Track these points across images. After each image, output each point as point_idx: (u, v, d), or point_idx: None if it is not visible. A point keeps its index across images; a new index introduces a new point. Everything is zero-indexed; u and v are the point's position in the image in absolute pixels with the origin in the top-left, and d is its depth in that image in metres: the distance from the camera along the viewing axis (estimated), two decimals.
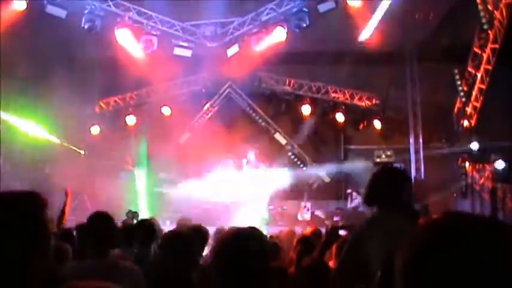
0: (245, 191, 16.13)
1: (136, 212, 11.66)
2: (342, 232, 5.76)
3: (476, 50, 14.88)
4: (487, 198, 14.86)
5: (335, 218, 14.96)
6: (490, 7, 13.95)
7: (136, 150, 17.28)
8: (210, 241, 5.89)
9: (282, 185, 16.37)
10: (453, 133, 16.10)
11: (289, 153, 18.13)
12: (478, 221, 1.15)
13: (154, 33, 15.59)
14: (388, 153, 17.39)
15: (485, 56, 14.58)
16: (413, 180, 4.46)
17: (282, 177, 16.17)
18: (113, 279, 2.72)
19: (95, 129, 17.72)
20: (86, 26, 14.31)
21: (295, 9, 14.55)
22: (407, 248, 1.15)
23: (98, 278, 2.81)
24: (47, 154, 16.34)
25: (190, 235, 4.66)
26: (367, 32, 14.47)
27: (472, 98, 15.15)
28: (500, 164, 14.41)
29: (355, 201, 15.90)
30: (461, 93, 15.34)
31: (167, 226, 11.16)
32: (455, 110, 15.83)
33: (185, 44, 16.05)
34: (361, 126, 18.02)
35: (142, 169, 17.49)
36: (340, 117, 17.73)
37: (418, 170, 16.67)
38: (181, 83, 18.20)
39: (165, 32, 15.82)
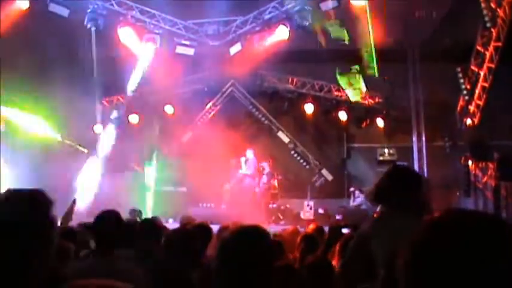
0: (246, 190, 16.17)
1: (139, 211, 11.68)
2: (344, 230, 5.77)
3: (479, 48, 14.85)
4: (490, 196, 14.84)
5: (337, 217, 14.95)
6: (492, 5, 13.92)
7: (143, 149, 17.28)
8: (214, 239, 5.90)
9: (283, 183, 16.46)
10: (456, 131, 16.07)
11: (292, 152, 18.12)
12: (479, 220, 1.15)
13: (157, 31, 15.62)
14: (391, 151, 17.41)
15: (488, 54, 14.56)
16: None
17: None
18: (114, 279, 2.74)
19: (98, 128, 17.75)
20: (88, 25, 14.34)
21: (297, 8, 14.55)
22: (408, 247, 1.16)
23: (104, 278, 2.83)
24: (49, 153, 16.34)
25: (194, 233, 4.67)
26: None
27: (475, 96, 15.13)
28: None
29: (358, 199, 15.89)
30: (464, 92, 15.32)
31: (170, 224, 11.18)
32: (458, 108, 15.80)
33: (188, 43, 16.07)
34: (364, 124, 18.00)
35: (148, 167, 17.53)
36: (343, 115, 17.71)
37: (420, 168, 16.64)
38: (184, 81, 18.20)
39: (168, 31, 15.85)
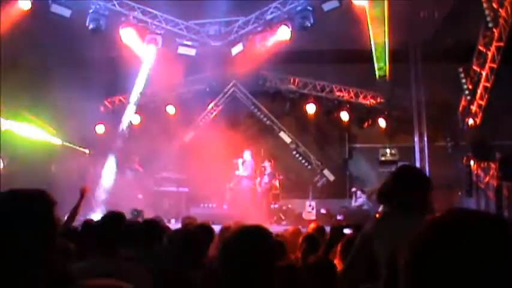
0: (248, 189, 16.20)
1: (141, 211, 11.69)
2: (346, 230, 5.77)
3: (481, 48, 14.84)
4: (492, 196, 14.82)
5: (338, 217, 14.95)
6: (494, 5, 13.92)
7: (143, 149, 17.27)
8: (216, 239, 5.90)
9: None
10: (458, 131, 16.06)
11: (294, 152, 18.13)
12: (480, 219, 1.14)
13: (159, 32, 15.63)
14: (393, 151, 17.40)
15: (490, 54, 14.55)
16: None
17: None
18: (116, 279, 2.75)
19: (100, 128, 17.77)
20: (90, 26, 14.36)
21: (299, 8, 14.55)
22: (409, 247, 1.16)
23: (105, 278, 2.83)
24: (52, 153, 16.36)
25: (196, 233, 4.68)
26: None
27: (477, 96, 15.12)
28: None
29: (360, 199, 15.89)
30: (466, 92, 15.30)
31: (172, 225, 11.19)
32: (460, 108, 15.79)
33: (189, 43, 16.08)
34: (365, 124, 18.01)
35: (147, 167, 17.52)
36: (344, 115, 17.72)
37: (422, 168, 16.61)
38: (186, 82, 18.21)
39: (170, 31, 15.86)
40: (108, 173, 16.64)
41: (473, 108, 15.27)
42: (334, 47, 15.52)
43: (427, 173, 15.91)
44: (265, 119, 18.33)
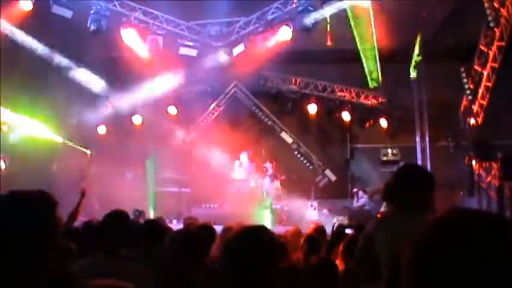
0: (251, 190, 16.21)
1: (143, 211, 11.69)
2: (348, 231, 5.76)
3: (482, 47, 14.83)
4: (493, 196, 14.80)
5: (339, 218, 14.93)
6: (496, 4, 13.90)
7: (144, 150, 17.28)
8: (217, 240, 5.90)
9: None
10: (460, 131, 16.04)
11: (295, 152, 18.13)
12: (481, 219, 1.14)
13: (160, 32, 15.63)
14: (395, 151, 17.40)
15: (491, 53, 14.54)
16: None
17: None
18: (120, 279, 2.74)
19: (102, 129, 17.79)
20: (91, 27, 14.36)
21: (300, 8, 14.55)
22: (410, 247, 1.16)
23: (105, 278, 2.83)
24: (54, 152, 16.36)
25: (197, 234, 4.67)
26: None
27: (479, 96, 15.11)
28: None
29: (362, 199, 15.89)
30: (468, 91, 15.29)
31: (174, 225, 11.19)
32: (462, 108, 15.78)
33: (191, 44, 16.08)
34: (367, 124, 18.01)
35: (149, 168, 17.53)
36: (346, 116, 17.72)
37: (423, 167, 16.60)
38: (187, 82, 18.21)
39: (171, 32, 15.86)
40: (109, 173, 16.64)
41: (475, 108, 15.26)
42: (336, 47, 15.50)
43: (429, 171, 15.89)
44: (266, 119, 18.33)
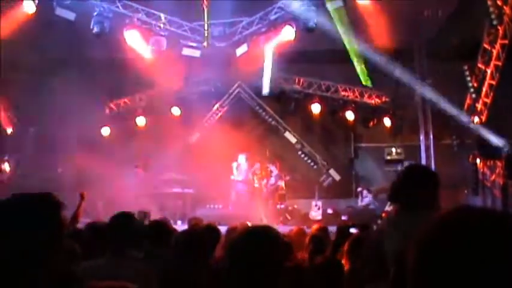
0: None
1: (148, 212, 11.69)
2: (352, 230, 5.77)
3: (485, 46, 14.80)
4: (498, 194, 14.78)
5: (343, 217, 14.95)
6: (499, 2, 13.87)
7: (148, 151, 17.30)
8: (222, 240, 5.90)
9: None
10: (464, 130, 16.01)
11: (299, 152, 18.13)
12: (482, 218, 1.13)
13: (163, 33, 15.63)
14: (399, 150, 17.37)
15: (495, 52, 14.50)
16: None
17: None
18: (126, 280, 2.75)
19: (105, 131, 17.83)
20: (94, 29, 14.38)
21: (303, 8, 14.53)
22: (415, 245, 1.16)
23: (111, 279, 2.83)
24: (58, 155, 16.39)
25: (202, 234, 4.68)
26: None
27: (482, 94, 15.07)
28: None
29: (366, 199, 15.88)
30: (471, 90, 15.26)
31: (179, 226, 11.19)
32: (466, 106, 15.74)
33: (194, 44, 16.09)
34: (371, 124, 17.99)
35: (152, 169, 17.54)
36: (350, 115, 17.71)
37: (428, 167, 16.58)
38: (191, 83, 18.22)
39: (174, 33, 15.87)
40: (113, 175, 16.66)
41: (479, 106, 15.23)
42: (339, 47, 15.49)
43: (434, 171, 15.86)
44: (270, 120, 18.33)
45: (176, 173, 16.89)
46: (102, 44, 15.04)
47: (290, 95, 18.17)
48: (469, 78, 15.18)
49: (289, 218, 15.84)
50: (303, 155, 18.14)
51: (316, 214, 15.72)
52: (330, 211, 15.87)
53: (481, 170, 15.47)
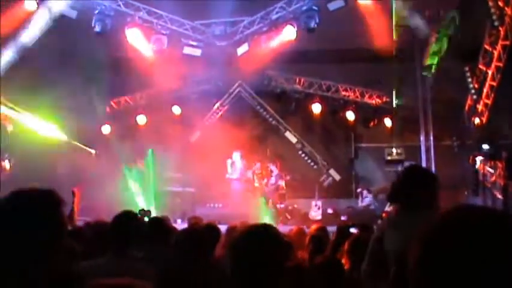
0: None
1: (148, 211, 11.69)
2: (352, 230, 5.77)
3: (487, 47, 14.78)
4: (498, 195, 14.77)
5: (342, 218, 14.95)
6: (500, 3, 13.86)
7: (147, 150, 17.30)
8: (222, 239, 5.91)
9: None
10: (464, 130, 16.00)
11: (300, 152, 18.12)
12: (482, 217, 1.14)
13: (164, 32, 15.64)
14: (399, 151, 17.36)
15: (496, 53, 14.48)
16: None
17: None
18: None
19: (106, 129, 17.83)
20: (96, 28, 14.39)
21: (304, 8, 14.54)
22: (416, 246, 1.16)
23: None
24: (58, 153, 16.40)
25: (202, 233, 4.68)
26: None
27: (483, 95, 15.05)
28: None
29: (366, 199, 15.87)
30: (472, 91, 15.25)
31: (178, 225, 11.20)
32: (466, 107, 15.73)
33: (195, 43, 16.09)
34: (371, 124, 17.99)
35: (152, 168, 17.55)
36: (350, 115, 17.71)
37: (429, 167, 16.57)
38: (192, 82, 18.23)
39: (175, 31, 15.87)
40: (113, 173, 16.67)
41: (480, 107, 15.21)
42: (340, 47, 15.49)
43: (433, 172, 15.87)
44: (270, 119, 18.33)
45: (176, 171, 16.91)
46: (103, 42, 15.03)
47: (291, 94, 18.18)
48: (470, 79, 15.17)
49: (289, 217, 15.85)
50: (303, 155, 18.15)
51: (316, 214, 15.73)
52: (330, 211, 15.87)
53: (482, 171, 15.46)
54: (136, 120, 18.10)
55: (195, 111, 17.68)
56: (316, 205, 15.91)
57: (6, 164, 15.91)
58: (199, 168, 15.95)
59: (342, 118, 17.98)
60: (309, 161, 18.12)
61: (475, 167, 15.41)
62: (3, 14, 13.58)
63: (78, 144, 16.71)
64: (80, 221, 7.52)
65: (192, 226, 6.67)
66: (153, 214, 12.61)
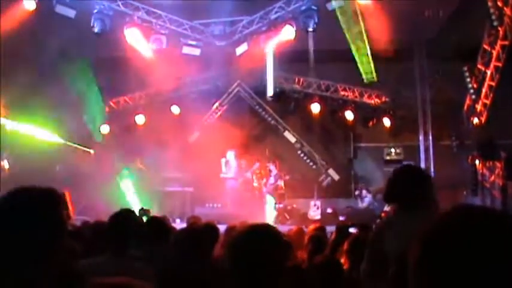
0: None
1: (148, 210, 11.69)
2: (352, 230, 5.77)
3: (485, 47, 14.79)
4: (497, 195, 14.79)
5: (340, 218, 14.95)
6: (499, 3, 13.86)
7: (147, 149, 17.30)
8: (221, 239, 5.91)
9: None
10: (463, 130, 16.02)
11: (299, 152, 18.12)
12: (483, 217, 1.14)
13: (163, 32, 15.63)
14: (398, 151, 17.38)
15: (495, 52, 14.50)
16: None
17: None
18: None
19: (105, 128, 17.82)
20: (95, 28, 14.38)
21: (303, 8, 14.54)
22: (415, 245, 1.16)
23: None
24: (57, 153, 16.39)
25: (201, 233, 4.68)
26: None
27: (482, 95, 15.07)
28: None
29: (366, 199, 15.87)
30: (471, 91, 15.26)
31: (177, 224, 11.20)
32: (465, 107, 15.74)
33: (194, 43, 16.09)
34: (370, 124, 17.99)
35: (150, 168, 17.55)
36: (349, 115, 17.70)
37: (427, 167, 16.60)
38: (190, 82, 18.22)
39: (174, 31, 15.86)
40: (112, 172, 16.67)
41: (478, 107, 15.23)
42: (339, 47, 15.49)
43: (432, 172, 15.92)
44: (269, 119, 18.32)
45: (175, 171, 16.90)
46: (102, 41, 15.02)
47: (290, 94, 18.17)
48: (468, 79, 15.18)
49: (287, 217, 15.84)
50: (302, 155, 18.13)
51: (314, 214, 15.73)
52: (329, 211, 15.87)
53: (480, 171, 15.48)
54: (135, 120, 18.08)
55: (194, 111, 17.65)
56: (315, 205, 15.91)
57: (5, 164, 15.91)
58: (198, 168, 15.94)
59: (340, 118, 17.97)
60: (308, 160, 18.11)
61: (474, 167, 15.42)
62: (3, 14, 13.57)
63: (75, 143, 16.69)
64: (77, 220, 7.52)
65: (191, 226, 6.67)
66: (153, 214, 12.65)
